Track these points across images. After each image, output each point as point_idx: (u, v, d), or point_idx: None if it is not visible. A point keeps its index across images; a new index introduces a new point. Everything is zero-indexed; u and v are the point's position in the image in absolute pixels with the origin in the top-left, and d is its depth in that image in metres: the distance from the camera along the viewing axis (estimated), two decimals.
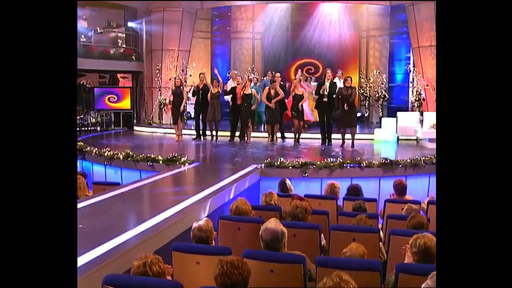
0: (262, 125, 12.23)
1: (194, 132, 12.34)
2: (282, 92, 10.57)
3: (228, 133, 11.40)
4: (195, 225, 3.38)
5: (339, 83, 10.60)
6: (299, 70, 12.82)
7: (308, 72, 14.09)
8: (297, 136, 10.59)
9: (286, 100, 10.85)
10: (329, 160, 7.62)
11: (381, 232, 4.19)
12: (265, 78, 13.36)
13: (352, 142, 10.07)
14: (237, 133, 11.26)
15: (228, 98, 11.27)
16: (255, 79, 13.12)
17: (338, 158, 7.83)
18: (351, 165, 7.66)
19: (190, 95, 11.87)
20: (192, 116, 15.43)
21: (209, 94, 10.85)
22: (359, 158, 7.86)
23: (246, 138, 10.91)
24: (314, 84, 12.30)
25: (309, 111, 11.75)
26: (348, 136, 10.13)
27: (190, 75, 14.86)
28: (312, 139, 11.36)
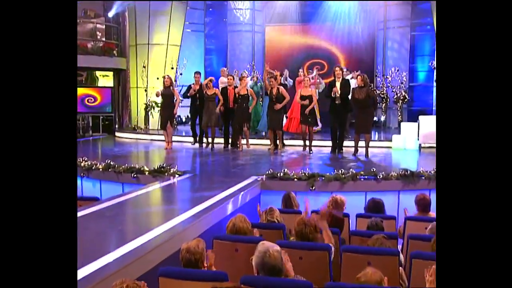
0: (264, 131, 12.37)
1: (185, 139, 12.38)
2: (286, 94, 10.63)
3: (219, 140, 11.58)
4: (183, 246, 3.39)
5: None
6: (315, 69, 12.89)
7: (310, 71, 14.11)
8: (306, 143, 10.64)
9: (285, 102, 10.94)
10: (340, 172, 7.64)
11: (401, 255, 4.18)
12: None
13: (367, 151, 10.10)
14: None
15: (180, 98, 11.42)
16: (254, 77, 13.20)
17: (351, 169, 7.83)
18: (366, 177, 7.67)
19: (182, 96, 12.03)
20: (184, 120, 15.52)
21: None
22: (374, 169, 7.85)
23: (238, 145, 11.01)
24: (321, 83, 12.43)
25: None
26: (361, 143, 10.17)
27: (181, 74, 14.94)
28: (320, 146, 11.43)
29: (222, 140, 11.65)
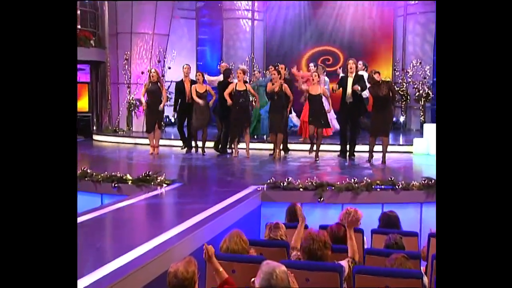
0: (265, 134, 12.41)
1: (174, 142, 12.44)
2: (289, 91, 10.66)
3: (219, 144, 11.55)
4: (171, 268, 3.37)
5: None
6: (311, 64, 12.88)
7: (324, 64, 14.11)
8: (313, 148, 10.62)
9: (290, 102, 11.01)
10: (353, 180, 7.65)
11: (425, 278, 4.16)
12: (266, 73, 13.54)
13: (384, 156, 10.12)
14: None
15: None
16: (256, 74, 13.20)
17: (365, 178, 7.84)
18: (382, 186, 7.69)
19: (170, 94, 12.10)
20: (173, 121, 15.50)
21: (193, 94, 11.02)
22: (392, 178, 7.86)
23: (233, 150, 10.99)
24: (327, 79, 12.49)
25: (333, 116, 11.83)
26: (378, 148, 10.19)
27: (170, 68, 14.99)
28: (329, 151, 11.46)
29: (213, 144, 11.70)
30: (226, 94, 10.69)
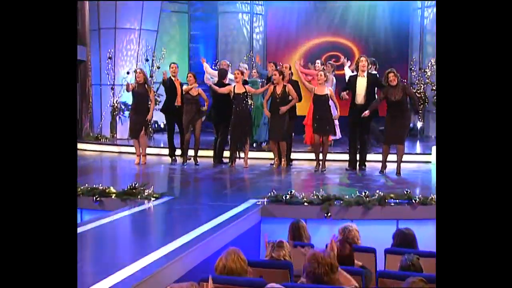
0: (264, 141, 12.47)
1: (163, 151, 12.46)
2: (295, 93, 10.66)
3: (212, 153, 11.57)
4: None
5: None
6: (318, 61, 12.94)
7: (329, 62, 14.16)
8: (320, 157, 10.62)
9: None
10: (364, 194, 7.64)
11: None
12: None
13: (399, 166, 10.13)
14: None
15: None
16: (254, 73, 13.29)
17: (377, 191, 7.82)
18: (397, 200, 7.66)
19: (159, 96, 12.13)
20: (162, 127, 15.48)
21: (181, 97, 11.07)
22: (408, 191, 7.81)
23: (232, 161, 11.00)
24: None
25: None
26: (392, 157, 10.18)
27: (159, 67, 15.04)
28: (337, 161, 11.47)
29: (209, 153, 11.70)
30: (221, 91, 10.73)
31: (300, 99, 10.92)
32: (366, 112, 9.87)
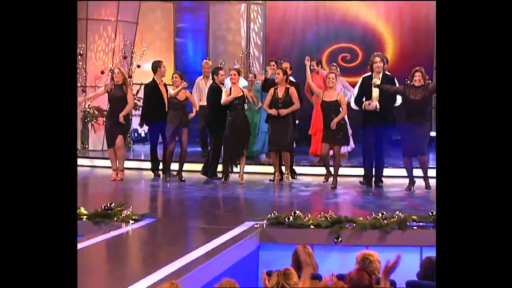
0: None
1: (145, 164, 12.44)
2: (297, 98, 10.67)
3: (200, 167, 11.57)
4: None
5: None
6: (334, 64, 13.02)
7: (342, 61, 14.20)
8: (328, 172, 10.62)
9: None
10: (381, 215, 7.57)
11: None
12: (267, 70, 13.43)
13: (426, 180, 10.10)
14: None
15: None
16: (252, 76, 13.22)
17: (397, 212, 7.75)
18: (421, 223, 7.65)
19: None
20: (143, 136, 15.61)
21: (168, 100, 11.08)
22: (434, 212, 7.72)
23: (225, 176, 10.99)
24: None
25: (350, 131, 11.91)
26: (417, 171, 10.18)
27: (139, 66, 15.01)
28: (349, 176, 11.48)
29: (198, 166, 11.70)
30: (224, 102, 10.70)
31: (301, 105, 10.96)
32: (372, 104, 10.02)
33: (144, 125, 12.75)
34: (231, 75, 10.94)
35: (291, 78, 11.28)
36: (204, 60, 13.59)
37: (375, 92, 10.22)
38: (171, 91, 10.96)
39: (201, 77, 12.97)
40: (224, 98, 10.69)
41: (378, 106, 10.12)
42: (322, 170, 11.14)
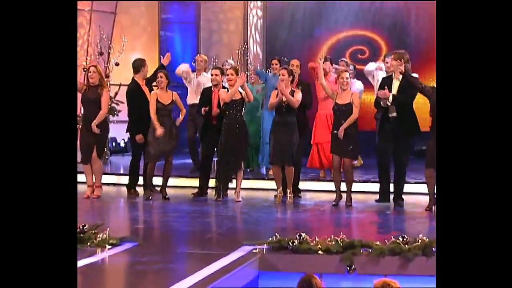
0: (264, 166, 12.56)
1: (124, 179, 12.35)
2: (299, 97, 10.54)
3: (188, 182, 11.70)
4: None
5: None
6: (344, 59, 13.00)
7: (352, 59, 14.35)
8: (339, 193, 10.56)
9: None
10: (401, 239, 7.50)
11: None
12: (268, 72, 13.50)
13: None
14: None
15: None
16: (252, 77, 13.32)
17: (421, 235, 7.64)
18: None
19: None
20: (123, 146, 15.80)
21: (151, 106, 10.94)
22: None
23: (221, 193, 10.90)
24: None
25: None
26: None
27: (118, 64, 15.03)
28: (364, 193, 11.48)
29: (185, 182, 11.78)
30: (226, 97, 10.59)
31: (310, 107, 10.97)
32: (385, 92, 9.99)
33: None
34: (228, 75, 10.86)
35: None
36: (198, 55, 13.58)
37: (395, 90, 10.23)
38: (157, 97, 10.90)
39: (195, 73, 12.99)
40: (224, 96, 10.59)
41: (390, 98, 10.12)
42: (331, 186, 11.06)
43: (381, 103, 10.17)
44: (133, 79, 11.45)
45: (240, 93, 10.76)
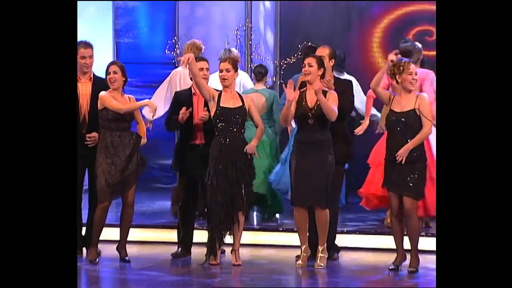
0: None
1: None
2: (335, 101, 8.39)
3: (166, 234, 10.06)
4: None
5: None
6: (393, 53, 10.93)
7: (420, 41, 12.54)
8: (401, 249, 8.41)
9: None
10: None
11: None
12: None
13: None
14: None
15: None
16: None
17: None
18: None
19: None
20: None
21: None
22: None
23: (214, 254, 8.81)
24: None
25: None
26: None
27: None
28: (430, 252, 9.66)
29: (158, 235, 9.93)
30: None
31: (349, 114, 9.07)
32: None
33: None
34: (221, 70, 8.64)
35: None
36: (190, 40, 10.96)
37: None
38: (113, 101, 8.52)
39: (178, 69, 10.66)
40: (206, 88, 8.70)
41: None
42: (390, 241, 8.80)
43: None
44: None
45: (242, 100, 8.83)
